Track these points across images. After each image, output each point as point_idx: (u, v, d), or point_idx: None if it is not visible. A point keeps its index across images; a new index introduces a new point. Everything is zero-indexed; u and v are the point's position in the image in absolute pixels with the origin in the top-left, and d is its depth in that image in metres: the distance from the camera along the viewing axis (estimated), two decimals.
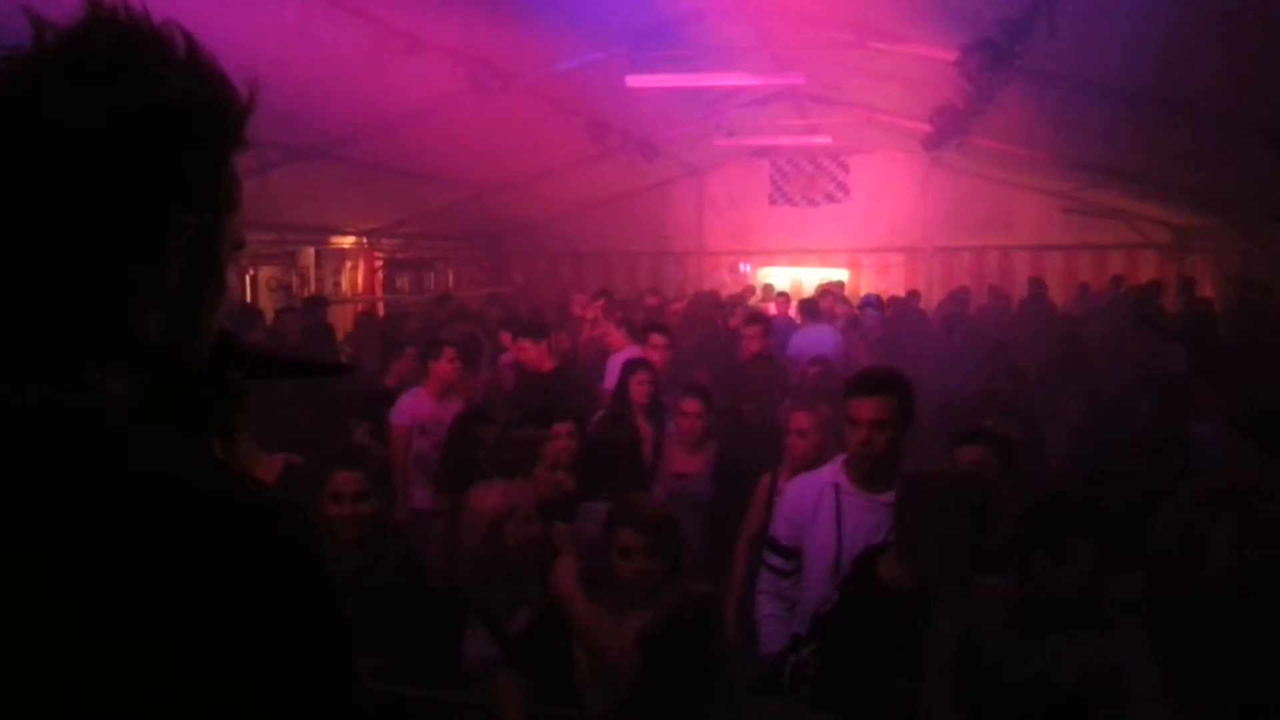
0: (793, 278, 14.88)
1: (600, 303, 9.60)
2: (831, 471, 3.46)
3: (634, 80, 7.52)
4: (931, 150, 10.75)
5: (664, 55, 7.59)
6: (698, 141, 12.31)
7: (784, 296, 12.05)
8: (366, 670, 2.88)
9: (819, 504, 3.38)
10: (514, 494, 3.26)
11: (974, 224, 13.89)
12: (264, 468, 4.28)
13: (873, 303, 9.68)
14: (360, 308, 11.91)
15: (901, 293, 12.55)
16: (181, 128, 0.82)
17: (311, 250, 11.69)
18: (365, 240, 12.40)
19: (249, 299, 10.29)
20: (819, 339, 8.07)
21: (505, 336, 7.94)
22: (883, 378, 3.44)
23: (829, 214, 14.77)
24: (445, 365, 6.05)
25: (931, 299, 13.07)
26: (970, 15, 6.29)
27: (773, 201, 15.09)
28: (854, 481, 3.36)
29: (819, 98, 11.02)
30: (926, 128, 9.64)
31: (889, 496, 3.16)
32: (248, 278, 10.56)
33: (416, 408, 5.99)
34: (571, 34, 7.20)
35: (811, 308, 9.38)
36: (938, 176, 13.77)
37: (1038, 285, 12.27)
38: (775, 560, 3.50)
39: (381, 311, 11.94)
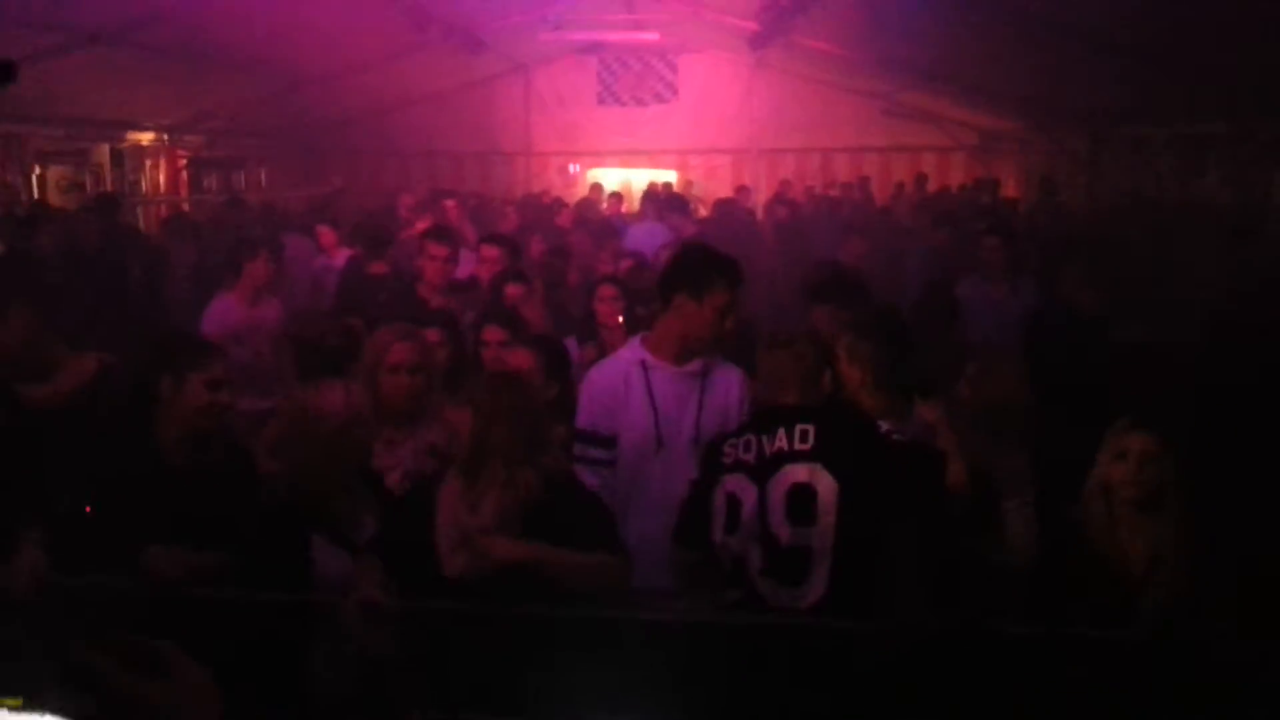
0: (622, 179, 14.80)
1: (452, 203, 9.32)
2: (633, 350, 3.44)
3: None
4: (758, 50, 10.83)
5: None
6: (524, 34, 11.94)
7: (616, 196, 12.02)
8: (205, 568, 2.74)
9: (628, 385, 3.36)
10: (356, 396, 3.09)
11: (798, 126, 14.10)
12: (75, 366, 3.95)
13: (677, 205, 9.72)
14: (164, 209, 11.08)
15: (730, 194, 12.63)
16: None
17: (106, 147, 10.75)
18: (167, 137, 11.50)
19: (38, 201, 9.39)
20: (654, 235, 8.06)
21: (326, 234, 7.58)
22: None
23: (658, 115, 14.71)
24: (260, 266, 5.70)
25: (759, 202, 13.24)
26: None
27: (601, 101, 14.89)
28: (662, 356, 3.37)
29: None
30: (753, 25, 9.68)
31: (695, 365, 3.36)
32: (34, 177, 9.62)
33: (226, 315, 5.62)
34: None
35: (654, 199, 9.41)
36: (764, 78, 13.87)
37: (864, 186, 12.70)
38: (595, 452, 3.37)
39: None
